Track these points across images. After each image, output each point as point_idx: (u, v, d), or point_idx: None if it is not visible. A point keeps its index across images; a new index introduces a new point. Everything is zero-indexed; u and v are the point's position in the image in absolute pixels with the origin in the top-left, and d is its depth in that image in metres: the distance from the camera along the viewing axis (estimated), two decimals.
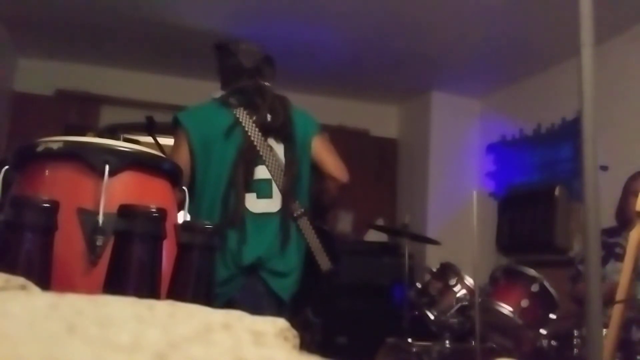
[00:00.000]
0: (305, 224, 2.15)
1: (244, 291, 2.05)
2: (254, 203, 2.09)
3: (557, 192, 3.86)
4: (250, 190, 2.09)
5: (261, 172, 2.12)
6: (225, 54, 2.30)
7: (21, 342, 0.31)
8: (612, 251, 2.78)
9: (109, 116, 4.45)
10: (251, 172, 2.10)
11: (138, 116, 2.97)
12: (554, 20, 3.40)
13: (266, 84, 2.26)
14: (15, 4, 3.71)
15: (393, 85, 4.92)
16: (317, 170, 2.27)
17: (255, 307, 1.93)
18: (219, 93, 2.26)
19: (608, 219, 2.85)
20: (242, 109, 2.16)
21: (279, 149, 2.17)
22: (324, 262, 2.16)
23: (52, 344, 0.31)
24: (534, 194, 4.08)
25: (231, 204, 2.07)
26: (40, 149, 0.94)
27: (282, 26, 3.83)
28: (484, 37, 3.86)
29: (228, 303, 1.97)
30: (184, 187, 1.11)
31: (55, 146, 0.94)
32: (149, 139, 2.69)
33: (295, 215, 2.14)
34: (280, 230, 2.10)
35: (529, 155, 4.38)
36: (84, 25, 3.96)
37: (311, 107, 2.39)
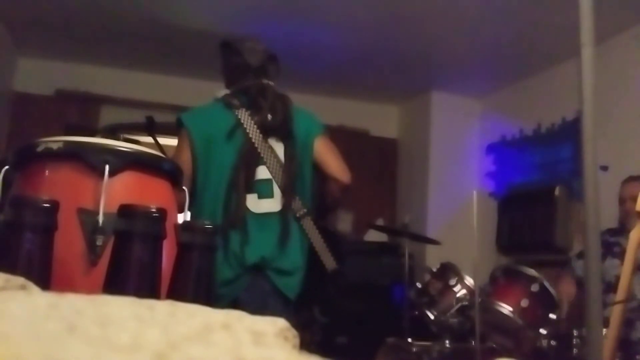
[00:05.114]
0: (308, 223, 2.15)
1: (249, 290, 2.05)
2: (255, 203, 2.09)
3: (557, 192, 3.85)
4: (251, 191, 2.09)
5: (262, 173, 2.12)
6: (231, 53, 2.28)
7: (21, 342, 0.31)
8: (610, 249, 2.78)
9: (109, 116, 4.45)
10: (252, 174, 2.10)
11: (138, 116, 2.97)
12: (554, 21, 3.40)
13: (270, 83, 2.24)
14: (15, 4, 3.71)
15: (393, 85, 4.92)
16: (319, 171, 2.26)
17: (261, 306, 1.95)
18: (222, 92, 2.24)
19: (608, 219, 2.85)
20: (244, 109, 2.15)
21: (279, 148, 2.16)
22: (329, 262, 2.16)
23: (52, 344, 0.31)
24: (534, 194, 4.08)
25: (232, 206, 2.06)
26: (40, 149, 0.94)
27: (282, 26, 3.83)
28: (484, 37, 3.86)
29: (233, 303, 1.98)
30: (184, 187, 1.11)
31: (55, 146, 0.94)
32: (149, 139, 2.69)
33: (298, 215, 2.14)
34: (280, 228, 2.10)
35: (529, 155, 4.38)
36: (84, 25, 3.96)
37: (311, 107, 2.38)
